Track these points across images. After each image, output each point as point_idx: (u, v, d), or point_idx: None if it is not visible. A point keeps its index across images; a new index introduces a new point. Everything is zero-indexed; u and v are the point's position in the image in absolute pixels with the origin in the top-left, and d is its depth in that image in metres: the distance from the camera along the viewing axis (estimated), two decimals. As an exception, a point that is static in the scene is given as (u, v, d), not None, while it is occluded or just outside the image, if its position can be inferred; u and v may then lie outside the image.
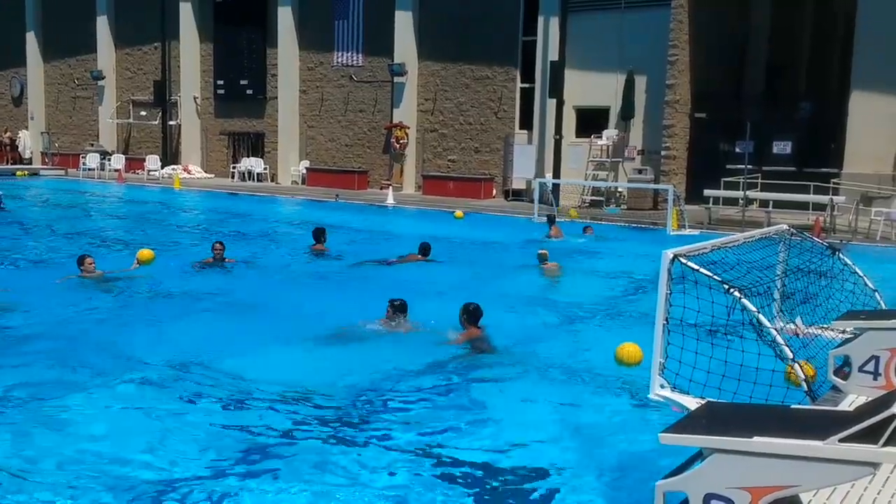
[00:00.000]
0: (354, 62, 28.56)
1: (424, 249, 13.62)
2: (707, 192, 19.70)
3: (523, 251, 15.22)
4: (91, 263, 11.36)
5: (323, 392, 7.08)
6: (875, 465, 3.11)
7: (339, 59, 28.85)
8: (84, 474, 5.44)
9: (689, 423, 3.74)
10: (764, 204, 19.36)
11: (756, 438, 3.29)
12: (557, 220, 18.20)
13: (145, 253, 12.12)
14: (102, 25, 34.29)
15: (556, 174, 22.88)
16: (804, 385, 6.03)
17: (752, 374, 6.16)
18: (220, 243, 12.82)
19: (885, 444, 3.06)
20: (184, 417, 6.52)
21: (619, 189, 23.17)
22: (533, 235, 17.45)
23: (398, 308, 8.89)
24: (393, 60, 26.81)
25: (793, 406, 4.09)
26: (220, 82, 31.80)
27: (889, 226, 17.58)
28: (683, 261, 6.33)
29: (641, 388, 6.71)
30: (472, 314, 8.49)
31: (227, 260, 12.74)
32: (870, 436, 3.08)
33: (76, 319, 9.57)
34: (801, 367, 6.42)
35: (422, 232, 17.52)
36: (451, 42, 26.10)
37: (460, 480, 5.46)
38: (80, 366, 7.76)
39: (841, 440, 3.12)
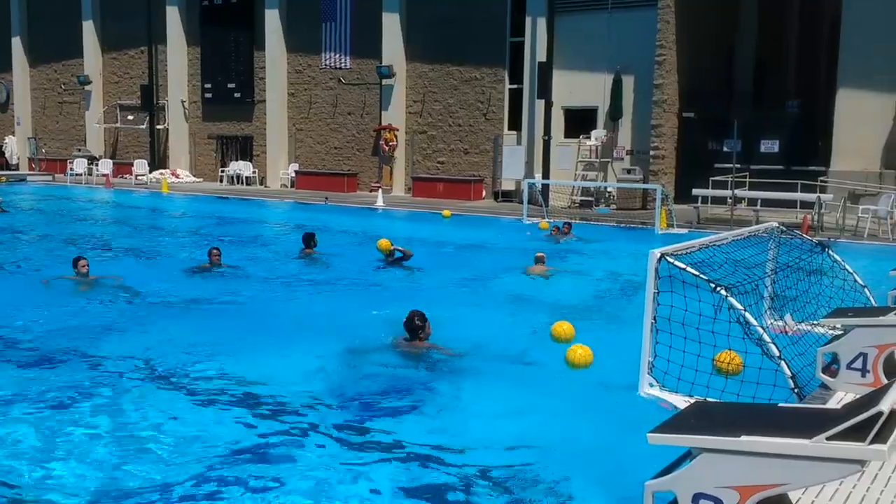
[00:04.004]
0: (343, 65, 28.51)
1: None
2: (695, 191, 19.74)
3: (514, 252, 15.20)
4: (84, 266, 11.33)
5: (313, 396, 7.06)
6: (862, 463, 3.10)
7: (328, 62, 28.80)
8: (79, 477, 5.43)
9: (677, 422, 3.73)
10: (752, 202, 19.41)
11: (744, 437, 3.28)
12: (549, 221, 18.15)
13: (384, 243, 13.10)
14: (88, 30, 34.12)
15: (546, 175, 22.91)
16: (790, 383, 6.04)
17: (740, 372, 6.18)
18: (217, 249, 12.82)
19: (872, 442, 3.05)
20: (176, 420, 6.48)
21: (608, 189, 23.20)
22: (524, 236, 17.46)
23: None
24: (381, 62, 26.78)
25: (781, 404, 4.09)
26: (208, 86, 31.68)
27: (876, 223, 17.65)
28: (670, 260, 6.34)
29: (630, 387, 6.70)
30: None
31: (223, 265, 12.73)
32: (857, 433, 3.07)
33: (70, 323, 9.52)
34: (728, 359, 6.63)
35: (411, 233, 17.52)
36: (439, 43, 26.09)
37: (447, 483, 5.43)
38: (73, 369, 7.73)
39: (828, 438, 3.11)
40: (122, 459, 5.70)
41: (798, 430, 3.23)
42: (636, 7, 22.36)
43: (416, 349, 8.01)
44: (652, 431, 3.56)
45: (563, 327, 8.57)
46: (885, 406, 3.08)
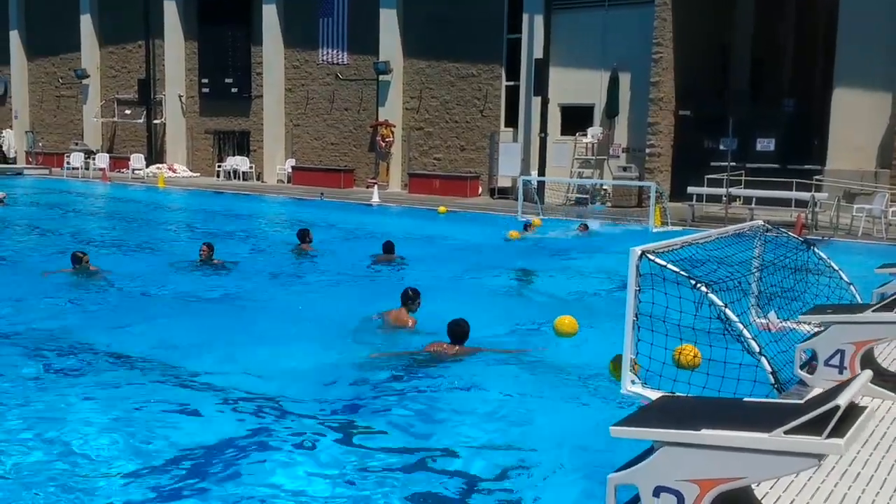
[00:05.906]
0: (340, 60, 28.49)
1: (388, 248, 13.64)
2: (690, 189, 19.71)
3: (508, 250, 15.21)
4: (86, 260, 11.40)
5: (299, 392, 7.06)
6: (819, 457, 3.10)
7: (325, 57, 28.78)
8: (63, 473, 5.43)
9: (640, 416, 3.73)
10: (747, 201, 19.39)
11: (704, 431, 3.28)
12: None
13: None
14: (86, 24, 34.11)
15: (542, 172, 22.91)
16: (771, 379, 6.04)
17: (720, 369, 6.18)
18: (207, 245, 12.82)
19: (829, 436, 3.05)
20: (165, 415, 6.49)
21: (604, 186, 23.20)
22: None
23: (411, 297, 9.01)
24: (378, 58, 26.76)
25: (746, 399, 4.09)
26: (205, 80, 31.67)
27: (870, 222, 17.63)
28: (651, 257, 6.33)
29: (613, 384, 6.71)
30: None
31: (215, 261, 12.73)
32: (814, 427, 3.07)
33: (60, 316, 9.57)
34: (682, 355, 6.66)
35: (405, 230, 17.52)
36: (436, 40, 26.06)
37: (426, 475, 5.45)
38: (61, 362, 7.78)
39: (786, 432, 3.11)
40: (111, 455, 5.70)
41: (758, 424, 3.23)
42: (633, 4, 22.33)
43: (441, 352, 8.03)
44: (615, 425, 3.56)
45: (566, 321, 8.55)
46: (842, 400, 3.08)
